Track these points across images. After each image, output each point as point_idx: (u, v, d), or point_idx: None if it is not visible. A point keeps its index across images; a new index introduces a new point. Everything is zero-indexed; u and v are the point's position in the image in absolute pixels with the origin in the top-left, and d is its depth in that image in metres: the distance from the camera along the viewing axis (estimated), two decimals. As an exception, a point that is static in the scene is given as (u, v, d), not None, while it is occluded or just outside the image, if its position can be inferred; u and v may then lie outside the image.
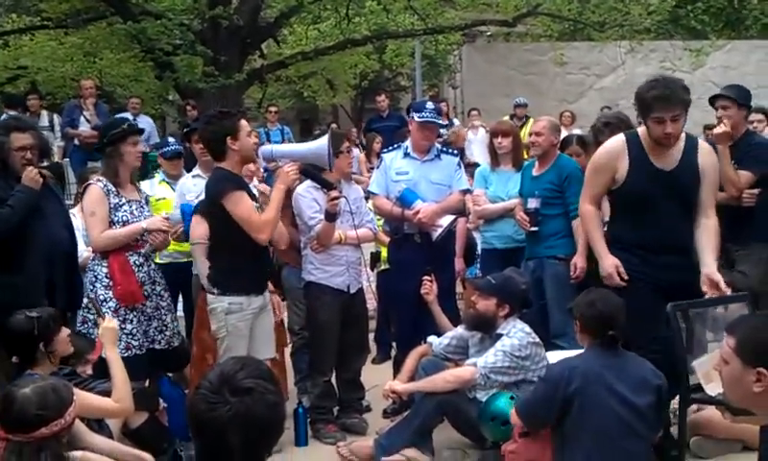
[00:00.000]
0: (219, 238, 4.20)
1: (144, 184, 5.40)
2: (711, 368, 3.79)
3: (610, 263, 4.16)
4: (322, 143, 4.36)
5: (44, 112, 10.69)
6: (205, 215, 4.33)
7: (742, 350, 2.34)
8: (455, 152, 5.61)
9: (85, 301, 4.34)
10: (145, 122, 10.88)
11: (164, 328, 4.51)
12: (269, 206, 4.17)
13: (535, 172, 5.33)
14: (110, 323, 3.77)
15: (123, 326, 4.28)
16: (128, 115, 10.33)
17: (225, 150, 4.10)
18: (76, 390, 2.96)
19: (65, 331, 3.69)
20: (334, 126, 16.74)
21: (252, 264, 4.15)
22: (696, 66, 15.05)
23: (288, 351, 5.46)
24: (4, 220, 4.07)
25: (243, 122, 4.19)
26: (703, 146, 4.16)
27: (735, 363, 2.35)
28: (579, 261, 4.98)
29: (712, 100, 5.15)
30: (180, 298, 5.59)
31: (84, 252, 4.79)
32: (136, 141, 4.49)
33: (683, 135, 4.05)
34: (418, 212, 4.94)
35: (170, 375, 4.87)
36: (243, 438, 1.85)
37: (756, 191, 4.98)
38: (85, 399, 3.25)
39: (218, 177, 4.15)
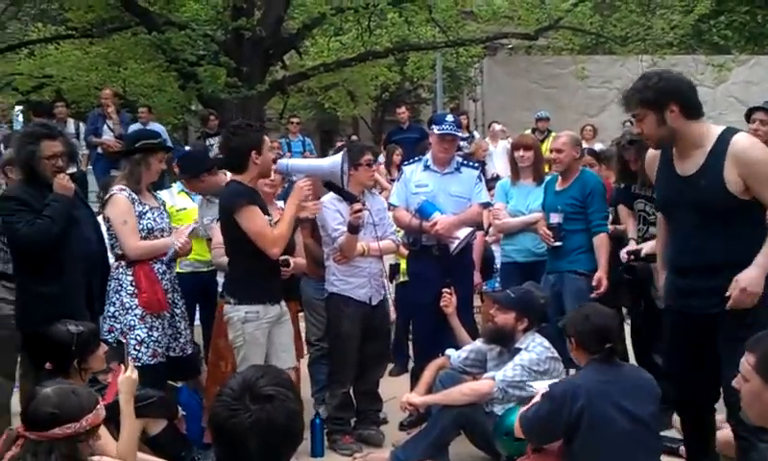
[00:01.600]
0: (234, 249, 4.23)
1: (163, 194, 5.45)
2: None
3: None
4: (335, 160, 4.38)
5: (71, 120, 10.78)
6: (222, 226, 4.36)
7: (762, 367, 2.34)
8: (476, 165, 5.62)
9: (112, 310, 4.35)
10: (157, 129, 10.95)
11: (179, 336, 4.54)
12: (281, 220, 4.19)
13: (558, 187, 5.32)
14: (132, 373, 3.61)
15: (150, 333, 4.31)
16: (137, 125, 10.44)
17: (247, 162, 4.11)
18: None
19: (102, 348, 3.69)
20: (354, 137, 16.86)
21: (267, 273, 4.17)
22: (718, 81, 14.97)
23: (305, 361, 5.48)
24: (45, 231, 4.03)
25: (266, 137, 4.28)
26: (736, 143, 3.39)
27: (755, 380, 2.35)
28: (603, 278, 4.98)
29: (749, 113, 4.96)
30: (198, 307, 5.61)
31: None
32: (163, 159, 4.57)
33: (714, 134, 3.45)
34: (435, 224, 4.95)
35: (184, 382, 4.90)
36: (263, 445, 1.88)
37: None
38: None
39: (232, 191, 4.15)
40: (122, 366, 3.66)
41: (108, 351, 3.80)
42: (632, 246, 5.02)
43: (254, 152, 4.10)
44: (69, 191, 4.17)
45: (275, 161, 4.59)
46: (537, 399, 3.63)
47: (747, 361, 2.40)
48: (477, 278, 5.88)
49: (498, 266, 6.24)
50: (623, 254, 5.02)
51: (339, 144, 10.69)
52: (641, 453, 3.46)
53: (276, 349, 4.22)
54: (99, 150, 10.46)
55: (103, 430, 3.05)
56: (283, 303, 4.34)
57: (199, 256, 5.29)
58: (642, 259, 4.93)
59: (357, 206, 4.63)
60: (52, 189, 4.12)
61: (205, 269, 5.35)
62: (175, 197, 5.60)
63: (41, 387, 2.76)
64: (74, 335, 3.51)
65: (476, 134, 13.45)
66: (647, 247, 4.96)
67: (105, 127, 10.49)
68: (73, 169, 4.73)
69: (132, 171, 4.46)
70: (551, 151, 5.46)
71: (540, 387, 3.84)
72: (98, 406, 2.80)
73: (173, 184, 5.78)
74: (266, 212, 4.18)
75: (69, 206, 4.17)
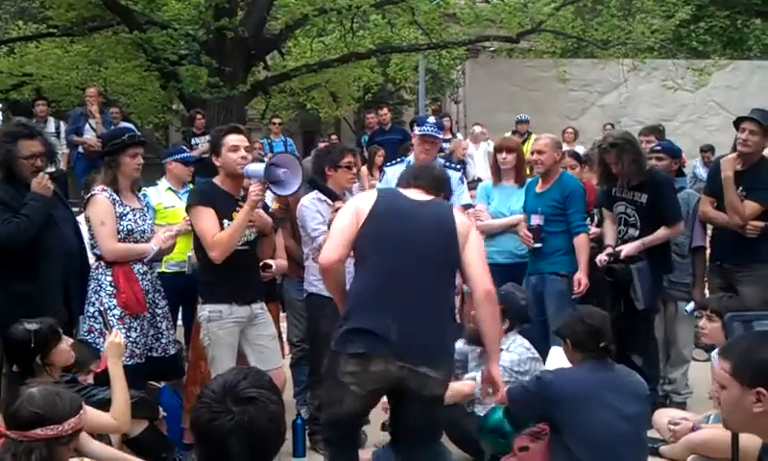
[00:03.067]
0: (198, 248, 4.21)
1: (150, 191, 5.42)
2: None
3: None
4: (259, 168, 4.06)
5: (51, 119, 10.67)
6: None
7: (740, 372, 2.29)
8: (458, 166, 5.64)
9: (92, 310, 4.34)
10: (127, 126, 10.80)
11: (160, 336, 4.51)
12: (230, 225, 4.05)
13: (538, 189, 5.36)
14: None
15: (128, 334, 4.28)
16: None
17: (213, 165, 4.20)
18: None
19: (66, 342, 3.66)
20: (335, 138, 16.83)
21: (233, 274, 4.09)
22: (698, 86, 15.09)
23: (287, 362, 5.47)
24: (23, 231, 4.02)
25: (229, 137, 4.12)
26: None
27: (733, 387, 2.27)
28: (583, 278, 5.00)
29: (738, 121, 4.97)
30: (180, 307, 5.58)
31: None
32: (136, 153, 4.46)
33: None
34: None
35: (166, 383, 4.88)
36: (245, 447, 1.87)
37: (761, 224, 4.88)
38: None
39: (194, 189, 4.32)
40: (108, 331, 3.74)
41: (78, 348, 3.80)
42: (608, 251, 5.06)
43: (213, 155, 4.17)
44: (48, 191, 4.16)
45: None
46: None
47: (722, 368, 2.33)
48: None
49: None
50: (602, 257, 5.05)
51: (321, 145, 10.66)
52: (627, 452, 3.51)
53: (255, 350, 4.20)
54: (80, 149, 10.36)
55: (83, 435, 3.05)
56: (258, 304, 4.26)
57: (184, 257, 5.26)
58: (622, 261, 4.97)
59: (339, 204, 4.63)
60: (30, 189, 4.10)
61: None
62: (162, 194, 5.58)
63: (27, 387, 2.75)
64: (31, 333, 3.48)
65: (459, 136, 13.48)
66: (626, 249, 5.01)
67: (86, 126, 10.40)
68: (53, 169, 4.68)
69: (105, 173, 4.46)
70: (532, 153, 5.49)
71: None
72: (81, 411, 2.78)
73: (158, 181, 5.74)
74: (224, 215, 4.05)
75: (47, 205, 4.15)
